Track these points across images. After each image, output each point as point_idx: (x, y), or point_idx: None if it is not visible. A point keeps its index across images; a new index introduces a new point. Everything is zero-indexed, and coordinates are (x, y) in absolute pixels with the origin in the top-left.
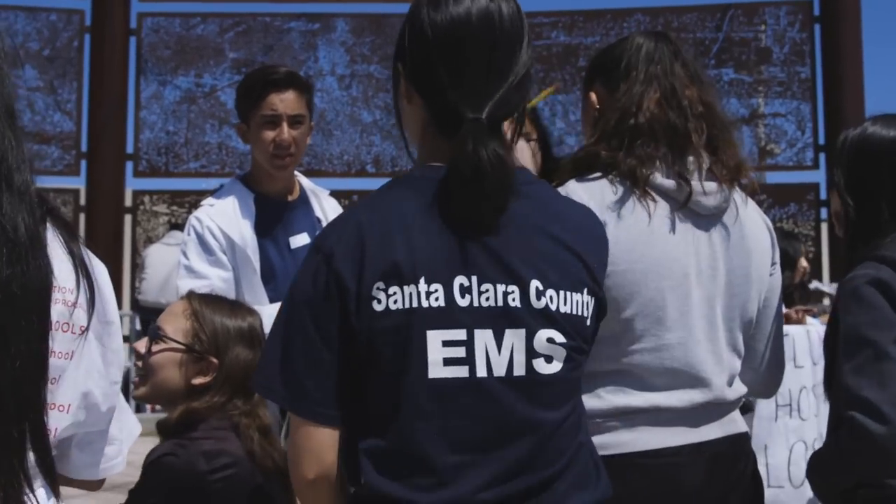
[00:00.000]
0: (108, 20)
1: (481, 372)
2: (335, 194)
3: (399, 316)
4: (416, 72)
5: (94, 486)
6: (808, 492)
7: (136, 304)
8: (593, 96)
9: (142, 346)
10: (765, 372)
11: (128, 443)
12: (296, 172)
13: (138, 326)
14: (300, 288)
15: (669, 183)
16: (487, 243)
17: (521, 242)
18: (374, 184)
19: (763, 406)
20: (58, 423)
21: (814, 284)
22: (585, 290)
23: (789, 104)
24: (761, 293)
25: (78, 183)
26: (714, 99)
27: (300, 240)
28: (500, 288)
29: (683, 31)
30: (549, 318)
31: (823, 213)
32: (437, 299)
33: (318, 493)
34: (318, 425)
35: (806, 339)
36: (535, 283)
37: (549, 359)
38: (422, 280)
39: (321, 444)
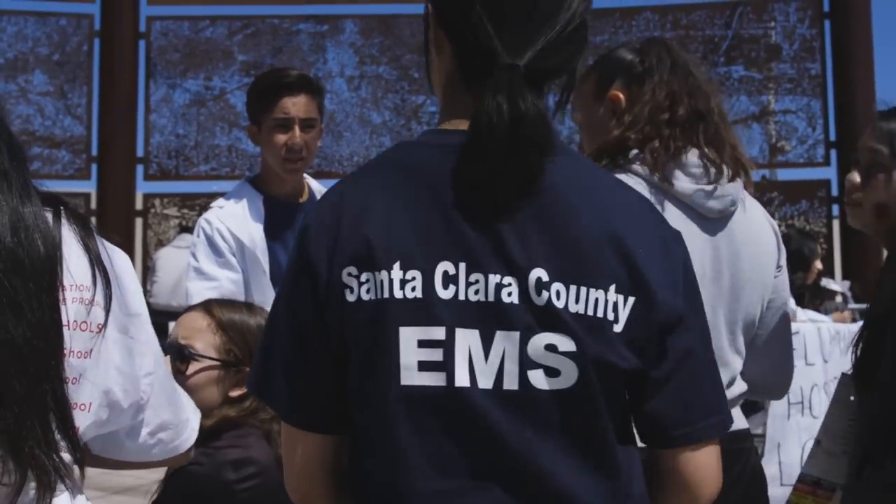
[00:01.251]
0: (117, 24)
1: (462, 381)
2: None
3: (370, 308)
4: (446, 9)
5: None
6: None
7: (147, 307)
8: (619, 95)
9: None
10: (773, 373)
11: (194, 419)
12: (304, 175)
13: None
14: (283, 277)
15: (684, 185)
16: (490, 223)
17: (536, 224)
18: None
19: (776, 405)
20: (80, 422)
21: (823, 282)
22: (613, 287)
23: (800, 101)
24: (765, 297)
25: (89, 187)
26: (720, 104)
27: None
28: (494, 279)
29: (692, 28)
30: (553, 319)
31: (835, 209)
32: (413, 289)
33: None
34: (301, 430)
35: (817, 336)
36: (536, 274)
37: (552, 371)
38: (396, 265)
39: (304, 454)
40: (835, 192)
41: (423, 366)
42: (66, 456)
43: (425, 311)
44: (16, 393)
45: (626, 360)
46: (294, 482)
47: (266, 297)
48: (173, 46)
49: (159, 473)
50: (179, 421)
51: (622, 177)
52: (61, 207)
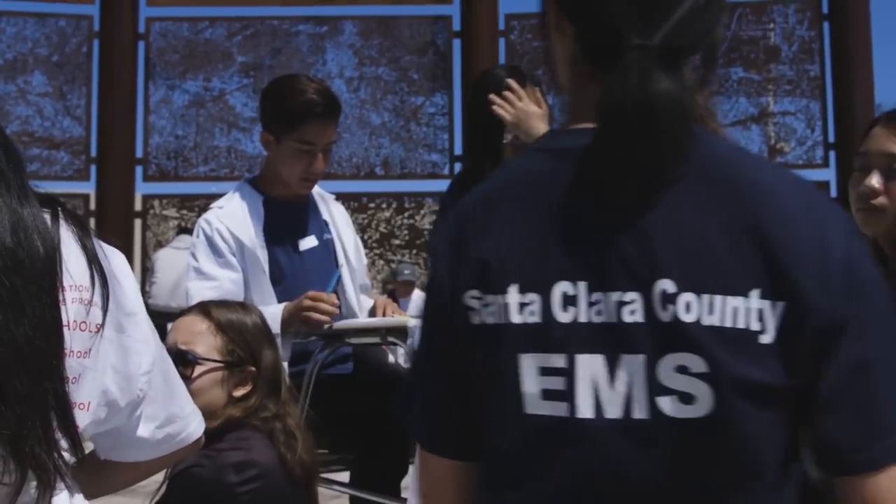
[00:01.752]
0: (116, 25)
1: (584, 411)
2: (344, 197)
3: (492, 333)
4: None
5: (170, 459)
6: None
7: (146, 308)
8: None
9: None
10: None
11: (193, 418)
12: None
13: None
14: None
15: None
16: (610, 232)
17: (662, 227)
18: (383, 186)
19: None
20: (79, 421)
21: None
22: (757, 293)
23: (799, 102)
24: None
25: (88, 188)
26: (707, 98)
27: (308, 242)
28: (615, 296)
29: None
30: (682, 336)
31: None
32: (531, 314)
33: None
34: (434, 455)
35: None
36: (661, 286)
37: (685, 397)
38: (513, 288)
39: (437, 478)
40: (834, 193)
41: (547, 395)
42: (67, 455)
43: (544, 337)
44: (17, 392)
45: (778, 376)
46: None
47: (265, 296)
48: (172, 47)
49: (158, 475)
50: (186, 413)
51: None
52: (59, 208)
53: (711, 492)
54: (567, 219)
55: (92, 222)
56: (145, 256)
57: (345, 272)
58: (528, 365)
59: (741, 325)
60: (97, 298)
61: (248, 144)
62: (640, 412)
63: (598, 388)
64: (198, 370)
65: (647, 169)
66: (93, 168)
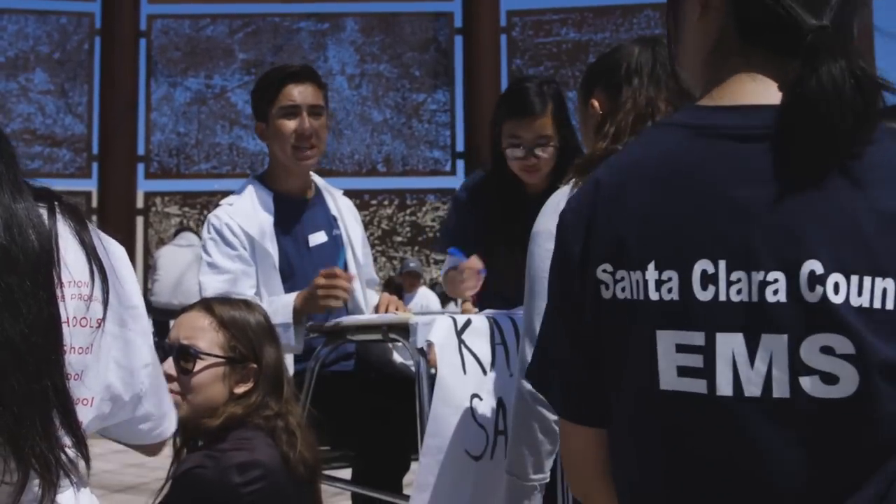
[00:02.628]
0: (117, 22)
1: (724, 389)
2: (346, 194)
3: (626, 308)
4: None
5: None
6: None
7: (148, 306)
8: (595, 103)
9: (170, 368)
10: None
11: (170, 416)
12: (311, 171)
13: (151, 328)
14: (550, 268)
15: None
16: (755, 212)
17: (814, 207)
18: (384, 183)
19: None
20: (83, 417)
21: None
22: None
23: None
24: None
25: (89, 185)
26: None
27: (318, 238)
28: (757, 276)
29: None
30: (829, 317)
31: None
32: (669, 291)
33: None
34: (573, 423)
35: None
36: (809, 266)
37: (828, 377)
38: (651, 265)
39: (582, 447)
40: None
41: (683, 371)
42: (71, 451)
43: (683, 314)
44: (14, 392)
45: None
46: (572, 476)
47: (275, 292)
48: (174, 45)
49: (161, 472)
50: (168, 409)
51: None
52: (55, 202)
53: (850, 471)
54: (708, 196)
55: (94, 220)
56: (147, 254)
57: (352, 267)
58: (665, 341)
59: (890, 306)
60: (97, 293)
61: (249, 141)
62: (780, 391)
63: (738, 366)
64: (199, 365)
65: (842, 149)
66: (94, 165)
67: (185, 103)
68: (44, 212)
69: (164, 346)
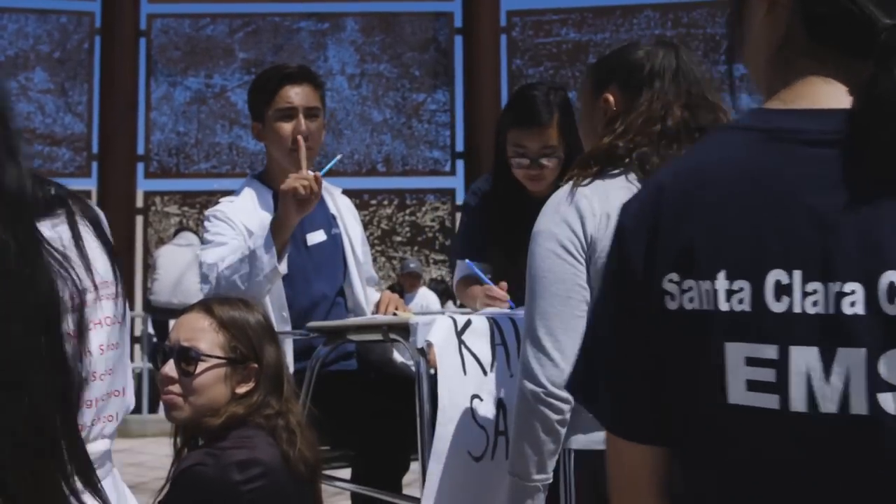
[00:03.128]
0: (117, 22)
1: (798, 405)
2: (345, 194)
3: (693, 319)
4: None
5: None
6: None
7: (148, 305)
8: (610, 98)
9: (171, 370)
10: None
11: (121, 415)
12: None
13: (151, 329)
14: (603, 275)
15: None
16: (833, 221)
17: (892, 217)
18: (384, 183)
19: None
20: (118, 408)
21: None
22: None
23: None
24: None
25: (89, 184)
26: (729, 115)
27: (317, 237)
28: (834, 287)
29: (693, 26)
30: None
31: None
32: (740, 301)
33: None
34: (624, 440)
35: None
36: (889, 277)
37: None
38: (721, 274)
39: (629, 466)
40: None
41: (753, 385)
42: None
43: (755, 326)
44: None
45: None
46: (624, 497)
47: (273, 289)
48: (174, 44)
49: (160, 472)
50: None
51: (614, 182)
52: (70, 204)
53: None
54: (782, 204)
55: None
56: (146, 253)
57: (352, 265)
58: (735, 354)
59: None
60: (120, 290)
61: (249, 141)
62: (858, 408)
63: (812, 381)
64: (201, 367)
65: None
66: (94, 165)
67: (184, 103)
68: (62, 218)
69: (164, 347)
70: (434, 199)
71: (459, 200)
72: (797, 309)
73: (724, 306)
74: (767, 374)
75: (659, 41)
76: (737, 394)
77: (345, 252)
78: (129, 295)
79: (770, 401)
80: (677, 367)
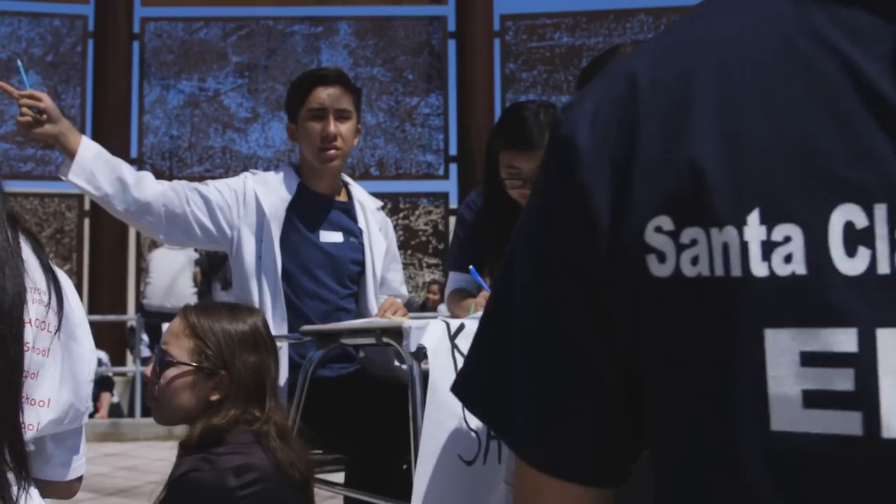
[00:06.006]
0: (110, 25)
1: (890, 431)
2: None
3: (703, 292)
4: None
5: (65, 492)
6: None
7: (141, 309)
8: None
9: (150, 372)
10: None
11: (43, 429)
12: (348, 180)
13: (143, 334)
14: (523, 227)
15: None
16: None
17: None
18: (377, 187)
19: None
20: (39, 418)
21: None
22: None
23: None
24: None
25: None
26: None
27: (331, 236)
28: None
29: None
30: None
31: None
32: (788, 259)
33: None
34: (558, 479)
35: None
36: None
37: None
38: (753, 215)
39: None
40: None
41: (816, 399)
42: (11, 475)
43: (815, 299)
44: None
45: None
46: None
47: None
48: (167, 47)
49: (153, 476)
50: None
51: None
52: (15, 224)
53: None
54: (846, 96)
55: (87, 223)
56: (140, 257)
57: (369, 276)
58: (782, 347)
59: None
60: (54, 303)
61: (242, 144)
62: None
63: None
64: (172, 371)
65: None
66: None
67: (178, 106)
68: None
69: (156, 350)
70: (427, 202)
71: (453, 204)
72: (883, 267)
73: (758, 268)
74: (841, 379)
75: (633, 41)
76: (787, 414)
77: (364, 261)
78: (122, 298)
79: (846, 422)
80: (667, 374)
